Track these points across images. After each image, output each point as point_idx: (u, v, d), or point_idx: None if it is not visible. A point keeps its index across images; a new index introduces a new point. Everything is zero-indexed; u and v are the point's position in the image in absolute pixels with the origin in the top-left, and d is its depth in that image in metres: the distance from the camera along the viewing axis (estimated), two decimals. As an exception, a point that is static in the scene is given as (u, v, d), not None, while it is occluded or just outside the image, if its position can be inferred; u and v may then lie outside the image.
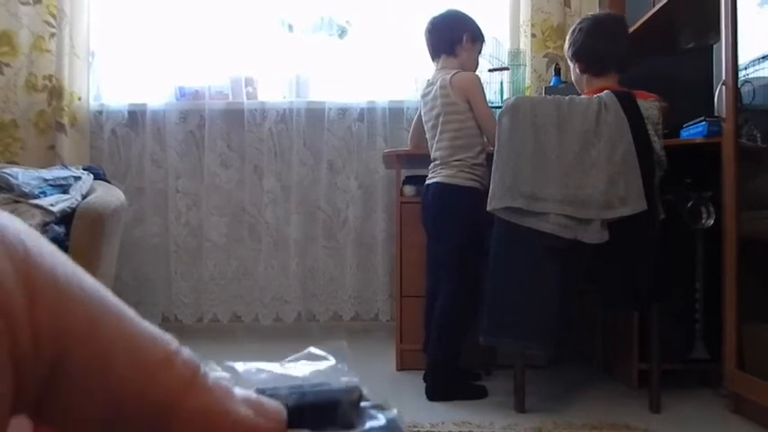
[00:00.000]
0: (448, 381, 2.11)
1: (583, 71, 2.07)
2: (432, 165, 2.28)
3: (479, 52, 2.35)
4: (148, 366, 0.21)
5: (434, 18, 2.33)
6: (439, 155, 2.23)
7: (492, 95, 2.79)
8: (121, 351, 0.20)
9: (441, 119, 2.21)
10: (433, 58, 2.34)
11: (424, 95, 2.32)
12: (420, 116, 2.40)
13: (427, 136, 2.32)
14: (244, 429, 0.21)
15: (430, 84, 2.30)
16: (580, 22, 2.07)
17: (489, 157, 2.04)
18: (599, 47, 2.01)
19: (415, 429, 1.72)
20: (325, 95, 3.12)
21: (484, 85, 2.27)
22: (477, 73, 2.29)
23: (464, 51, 2.28)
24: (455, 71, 2.22)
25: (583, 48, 2.03)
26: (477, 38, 2.31)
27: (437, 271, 2.24)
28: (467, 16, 2.32)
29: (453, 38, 2.28)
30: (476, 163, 2.19)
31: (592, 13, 2.09)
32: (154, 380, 0.21)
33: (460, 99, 2.18)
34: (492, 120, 2.11)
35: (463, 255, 2.14)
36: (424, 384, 2.13)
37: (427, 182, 2.27)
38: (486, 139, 2.20)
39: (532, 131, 1.85)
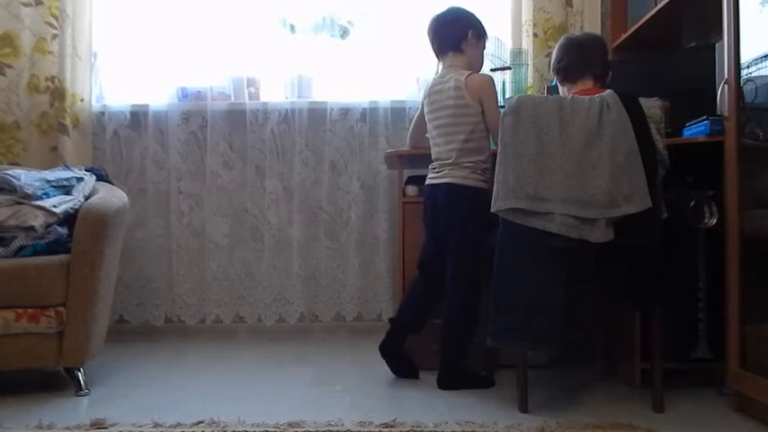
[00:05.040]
0: (458, 371, 2.17)
1: (561, 82, 2.18)
2: (437, 164, 2.27)
3: (484, 49, 2.37)
4: None
5: (438, 16, 2.33)
6: (446, 156, 2.22)
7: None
8: None
9: (452, 119, 2.21)
10: (439, 56, 2.33)
11: (431, 93, 2.29)
12: (421, 114, 2.39)
13: (431, 134, 2.31)
14: None
15: (438, 82, 2.28)
16: (561, 41, 2.19)
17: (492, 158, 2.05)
18: (571, 61, 2.12)
19: (419, 429, 1.72)
20: (327, 96, 3.12)
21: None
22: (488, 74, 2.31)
23: (470, 48, 2.29)
24: (469, 72, 2.22)
25: (559, 63, 2.15)
26: (481, 34, 2.32)
27: (440, 269, 2.23)
28: (470, 13, 2.33)
29: (458, 34, 2.28)
30: (486, 167, 2.22)
31: (573, 33, 2.22)
32: None
33: (474, 101, 2.18)
34: None
35: (476, 254, 2.14)
36: (427, 385, 2.14)
37: (432, 182, 2.26)
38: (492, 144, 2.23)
39: (535, 132, 1.85)
